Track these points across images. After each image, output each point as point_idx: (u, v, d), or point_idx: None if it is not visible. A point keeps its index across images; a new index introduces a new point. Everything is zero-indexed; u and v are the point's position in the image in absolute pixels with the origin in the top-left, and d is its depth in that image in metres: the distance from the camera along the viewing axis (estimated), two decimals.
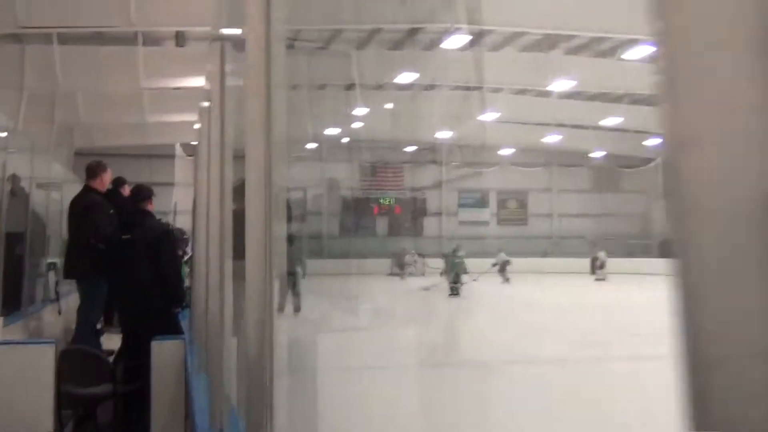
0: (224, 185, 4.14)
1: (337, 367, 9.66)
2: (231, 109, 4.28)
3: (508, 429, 7.05)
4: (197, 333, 6.75)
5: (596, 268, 33.02)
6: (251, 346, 2.32)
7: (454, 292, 25.15)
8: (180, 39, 21.82)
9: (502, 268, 32.58)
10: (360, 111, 31.26)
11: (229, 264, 4.11)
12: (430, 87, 30.71)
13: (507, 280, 32.19)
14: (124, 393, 6.89)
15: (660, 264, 38.50)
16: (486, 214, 46.56)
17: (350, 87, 28.67)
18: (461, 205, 46.13)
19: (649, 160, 41.75)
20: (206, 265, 5.38)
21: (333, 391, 8.27)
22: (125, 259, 7.33)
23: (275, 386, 2.36)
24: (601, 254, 32.68)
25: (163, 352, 6.58)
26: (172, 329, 7.37)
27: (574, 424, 7.08)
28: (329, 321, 16.36)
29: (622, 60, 26.34)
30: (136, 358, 6.97)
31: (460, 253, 27.30)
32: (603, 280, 31.78)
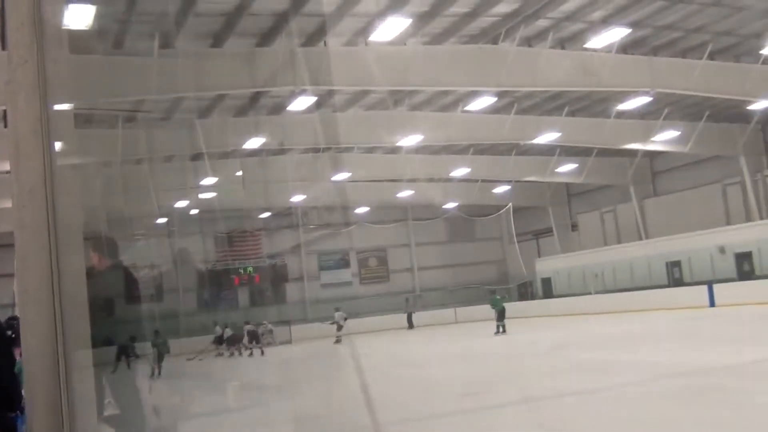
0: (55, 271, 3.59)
1: None
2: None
3: None
4: None
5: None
6: None
7: None
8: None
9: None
10: (209, 180, 30.45)
11: (80, 354, 3.49)
12: (280, 151, 30.44)
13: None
14: None
15: (521, 307, 39.65)
16: (348, 274, 46.45)
17: (197, 157, 27.91)
18: (322, 268, 45.81)
19: (499, 207, 43.06)
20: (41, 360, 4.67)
21: None
22: None
23: None
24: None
25: None
26: None
27: None
28: (193, 405, 15.42)
29: (465, 112, 27.08)
30: None
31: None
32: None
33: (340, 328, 32.01)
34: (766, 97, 25.83)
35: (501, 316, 27.59)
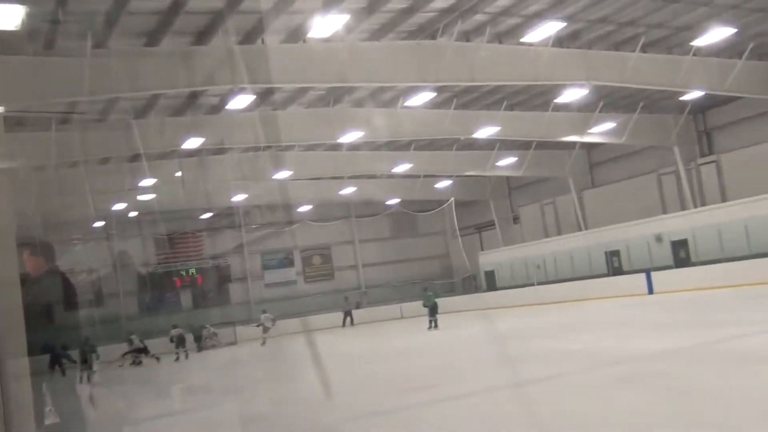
0: None
1: None
2: None
3: None
4: None
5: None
6: None
7: None
8: None
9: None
10: (148, 182, 29.91)
11: (15, 363, 3.36)
12: (220, 150, 30.08)
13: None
14: None
15: (465, 300, 39.97)
16: (292, 273, 46.21)
17: (134, 158, 27.39)
18: (266, 267, 45.48)
19: (441, 202, 43.36)
20: None
21: None
22: None
23: None
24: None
25: None
26: None
27: None
28: (139, 410, 15.14)
29: (406, 107, 27.14)
30: None
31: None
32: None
33: (266, 330, 31.91)
34: (697, 87, 26.51)
35: (433, 311, 27.83)
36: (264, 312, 33.47)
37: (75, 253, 31.33)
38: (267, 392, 15.24)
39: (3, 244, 3.40)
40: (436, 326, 27.41)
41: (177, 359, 29.99)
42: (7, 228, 3.52)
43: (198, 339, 31.21)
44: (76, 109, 22.99)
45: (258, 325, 32.62)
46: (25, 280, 6.16)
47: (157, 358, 29.55)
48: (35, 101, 19.01)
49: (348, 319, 39.03)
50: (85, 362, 24.92)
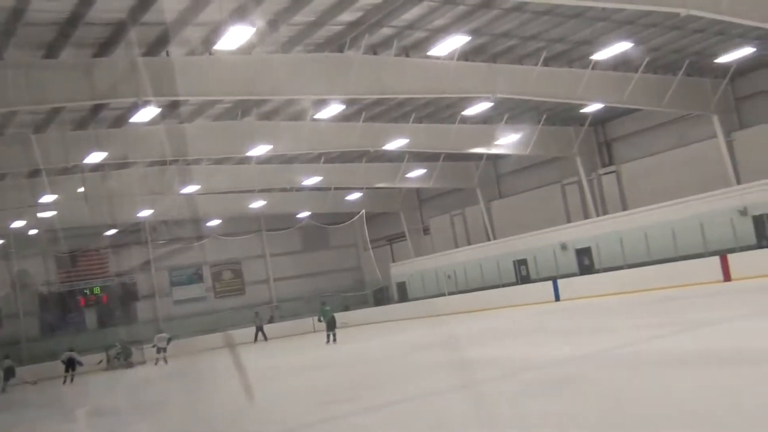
0: None
1: None
2: None
3: None
4: None
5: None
6: None
7: None
8: None
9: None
10: (48, 198, 28.85)
11: None
12: (124, 165, 29.29)
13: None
14: None
15: (378, 312, 40.08)
16: (201, 289, 45.38)
17: (34, 174, 26.39)
18: (174, 284, 44.52)
19: (352, 215, 43.42)
20: None
21: None
22: None
23: None
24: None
25: None
26: None
27: None
28: None
29: (315, 120, 27.10)
30: None
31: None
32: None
33: (159, 350, 31.64)
34: (597, 100, 27.45)
35: (330, 326, 27.93)
36: (160, 332, 33.17)
37: None
38: (180, 410, 14.89)
39: None
40: (335, 340, 27.47)
41: (64, 382, 29.18)
42: None
43: (71, 364, 30.04)
44: None
45: (152, 346, 32.17)
46: None
47: (34, 382, 28.72)
48: None
49: (260, 334, 38.60)
50: (2, 376, 24.23)
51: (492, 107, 27.71)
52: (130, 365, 32.57)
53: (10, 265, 36.64)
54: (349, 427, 9.55)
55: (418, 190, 44.07)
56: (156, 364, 31.50)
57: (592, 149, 34.83)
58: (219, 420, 12.16)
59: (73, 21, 16.95)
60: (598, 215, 33.72)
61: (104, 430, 12.93)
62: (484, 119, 31.21)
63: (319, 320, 29.29)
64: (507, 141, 32.25)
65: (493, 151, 33.78)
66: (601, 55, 23.38)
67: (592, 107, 29.38)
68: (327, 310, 28.87)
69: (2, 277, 35.80)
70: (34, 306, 39.67)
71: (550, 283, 30.61)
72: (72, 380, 29.37)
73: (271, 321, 42.60)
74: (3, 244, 35.36)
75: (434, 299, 37.35)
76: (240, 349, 33.59)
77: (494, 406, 9.18)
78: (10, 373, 28.74)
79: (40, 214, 31.70)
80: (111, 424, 13.78)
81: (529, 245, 34.28)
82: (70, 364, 29.73)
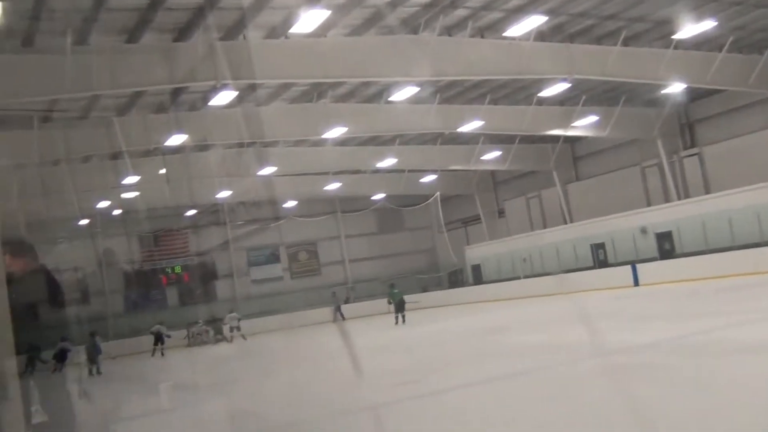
0: None
1: None
2: None
3: None
4: None
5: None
6: None
7: None
8: None
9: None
10: (131, 179, 29.75)
11: (3, 363, 3.35)
12: (203, 147, 29.94)
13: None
14: None
15: (452, 294, 40.06)
16: (278, 269, 46.14)
17: (117, 156, 27.22)
18: (252, 264, 45.39)
19: (427, 197, 43.40)
20: None
21: None
22: None
23: None
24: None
25: None
26: None
27: None
28: (125, 407, 15.09)
29: (389, 103, 27.14)
30: None
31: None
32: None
33: (232, 329, 32.95)
34: (679, 80, 26.65)
35: (399, 307, 28.67)
36: (231, 311, 34.22)
37: (60, 251, 31.15)
38: (252, 388, 15.24)
39: None
40: (403, 322, 28.13)
41: (153, 354, 30.72)
42: None
43: (159, 338, 31.42)
44: (57, 107, 22.83)
45: (225, 324, 33.44)
46: (10, 280, 6.13)
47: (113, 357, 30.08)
48: (16, 99, 18.89)
49: (338, 314, 39.08)
50: (89, 356, 25.41)
51: (569, 88, 27.20)
52: (219, 341, 33.63)
53: (96, 244, 37.96)
54: (416, 410, 9.60)
55: (493, 173, 43.70)
56: (231, 341, 32.40)
57: (673, 131, 33.87)
58: (287, 398, 12.38)
59: (153, 6, 17.38)
60: (679, 198, 32.83)
61: (180, 404, 13.32)
62: (561, 101, 30.68)
63: (389, 302, 30.09)
64: (584, 123, 31.68)
65: (570, 133, 33.21)
66: (684, 34, 22.66)
67: (674, 88, 28.53)
68: (395, 292, 29.58)
69: (89, 255, 37.13)
70: (118, 284, 41.04)
71: (628, 268, 30.01)
72: (162, 354, 30.69)
73: (347, 302, 43.04)
74: (89, 223, 36.62)
75: (509, 282, 37.10)
76: (316, 329, 34.06)
77: (562, 392, 9.10)
78: (96, 350, 30.04)
79: (123, 195, 32.73)
80: (186, 399, 14.18)
81: (608, 229, 33.63)
82: (159, 338, 31.08)
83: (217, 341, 33.60)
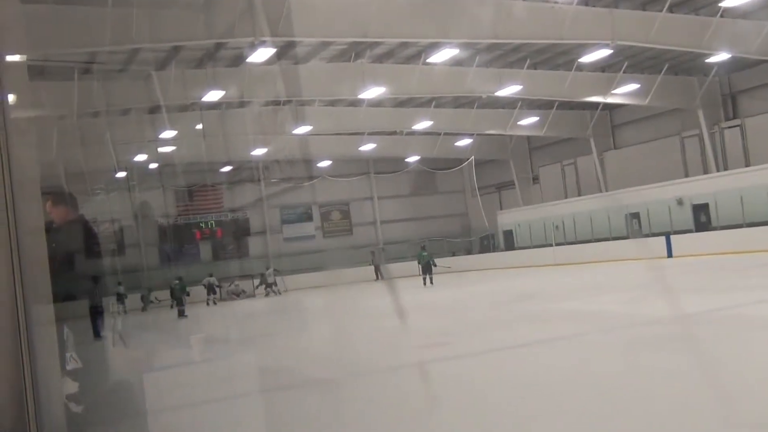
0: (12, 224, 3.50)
1: (172, 406, 8.91)
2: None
3: None
4: None
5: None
6: (2, 408, 1.82)
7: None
8: None
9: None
10: (168, 134, 29.99)
11: (41, 310, 3.45)
12: (240, 104, 30.04)
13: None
14: None
15: (483, 259, 40.06)
16: (311, 227, 46.40)
17: (154, 110, 27.43)
18: (285, 222, 45.70)
19: (461, 161, 43.21)
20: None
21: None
22: None
23: None
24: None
25: None
26: None
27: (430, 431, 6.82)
28: (158, 357, 15.40)
29: (427, 64, 26.93)
30: None
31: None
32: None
33: (269, 285, 34.55)
34: (724, 50, 26.06)
35: (426, 269, 29.92)
36: (268, 267, 35.52)
37: (97, 202, 31.61)
38: (285, 343, 15.45)
39: (28, 192, 3.46)
40: (431, 283, 29.28)
41: (207, 304, 32.23)
42: (32, 177, 3.58)
43: (212, 289, 32.61)
44: (97, 59, 23.02)
45: (262, 283, 34.82)
46: (48, 229, 6.25)
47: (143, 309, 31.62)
48: (57, 51, 19.05)
49: (379, 273, 39.41)
50: (177, 300, 26.46)
51: (611, 54, 26.74)
52: (269, 294, 34.78)
53: (133, 197, 38.43)
54: (442, 372, 9.67)
55: (529, 138, 43.31)
56: (267, 296, 33.13)
57: (715, 101, 33.22)
58: (312, 356, 12.54)
59: None
60: (718, 170, 32.31)
61: (214, 356, 13.56)
62: (602, 67, 30.20)
63: (418, 263, 31.08)
64: (625, 90, 31.19)
65: (610, 100, 32.72)
66: (731, 2, 22.11)
67: (718, 57, 27.91)
68: (424, 255, 30.65)
69: (125, 208, 37.62)
70: (154, 237, 41.58)
71: (662, 239, 29.73)
72: (215, 303, 32.12)
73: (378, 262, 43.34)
74: (126, 176, 37.07)
75: (541, 249, 36.99)
76: (349, 288, 34.40)
77: (588, 361, 9.11)
78: (123, 297, 31.11)
79: (160, 149, 33.05)
80: (215, 351, 14.43)
81: (643, 198, 33.25)
82: (211, 289, 32.56)
83: (268, 293, 34.80)
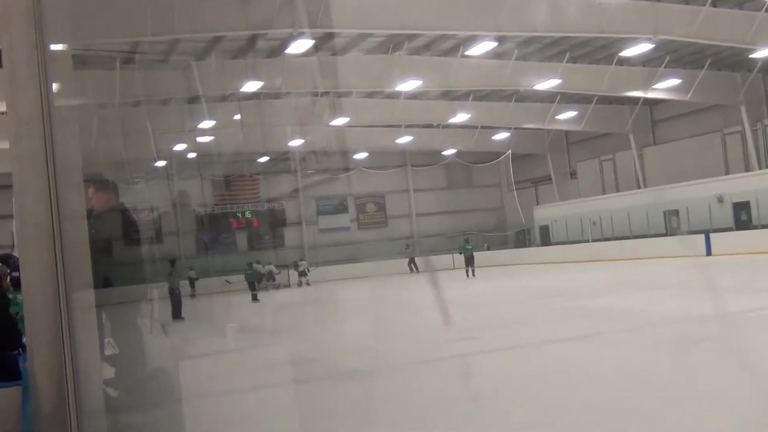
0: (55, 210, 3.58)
1: (206, 394, 9.03)
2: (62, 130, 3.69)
3: None
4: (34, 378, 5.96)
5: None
6: (43, 390, 1.87)
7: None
8: None
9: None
10: (206, 124, 30.25)
11: (81, 295, 3.53)
12: (277, 95, 30.19)
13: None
14: None
15: (518, 254, 39.86)
16: (346, 219, 46.54)
17: (194, 99, 27.69)
18: (320, 213, 45.89)
19: (498, 154, 42.97)
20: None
21: (203, 419, 7.69)
22: None
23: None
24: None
25: None
26: (10, 374, 6.54)
27: (460, 424, 6.82)
28: (193, 345, 15.59)
29: (465, 57, 26.80)
30: None
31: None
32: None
33: (300, 275, 35.52)
34: None
35: (469, 261, 31.20)
36: (301, 259, 36.62)
37: (136, 191, 32.02)
38: (313, 335, 15.52)
39: (70, 179, 3.53)
40: (473, 274, 30.31)
41: (268, 290, 33.25)
42: (74, 164, 3.64)
43: (272, 276, 33.99)
44: (138, 49, 23.29)
45: (295, 269, 35.71)
46: (89, 216, 6.36)
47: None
48: (99, 40, 19.32)
49: (412, 266, 39.41)
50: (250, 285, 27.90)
51: (652, 49, 26.36)
52: (301, 284, 35.49)
53: (171, 185, 38.86)
54: (470, 367, 9.64)
55: (567, 133, 42.90)
56: (300, 285, 33.60)
57: (759, 97, 32.61)
58: (349, 347, 12.57)
59: None
60: (760, 168, 31.74)
61: (247, 345, 13.69)
62: (643, 61, 29.80)
63: (459, 253, 32.48)
64: (666, 85, 30.76)
65: (650, 95, 32.29)
66: None
67: (762, 53, 27.35)
68: (468, 248, 31.46)
69: (163, 196, 38.05)
70: (191, 225, 42.03)
71: (701, 237, 29.30)
72: (277, 287, 33.60)
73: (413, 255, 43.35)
74: (165, 165, 37.49)
75: (577, 245, 36.68)
76: (384, 281, 34.49)
77: (620, 359, 9.02)
78: (194, 281, 32.38)
79: (198, 139, 33.36)
80: (247, 341, 14.56)
81: (683, 196, 32.78)
82: (270, 277, 33.80)
83: (301, 283, 35.56)
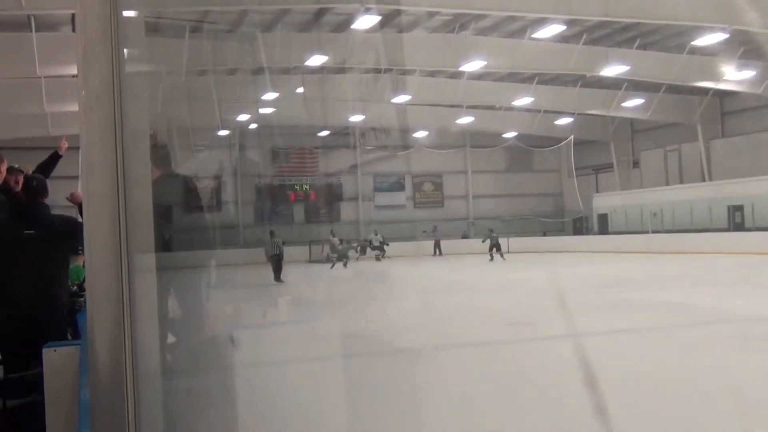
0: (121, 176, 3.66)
1: (257, 363, 9.17)
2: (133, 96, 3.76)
3: (440, 416, 6.75)
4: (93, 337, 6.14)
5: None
6: (101, 351, 1.93)
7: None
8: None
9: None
10: (270, 96, 30.50)
11: (142, 258, 3.62)
12: (341, 69, 30.23)
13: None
14: (12, 408, 6.22)
15: (575, 241, 39.42)
16: (402, 197, 46.56)
17: (258, 71, 27.92)
18: (377, 189, 46.00)
19: (560, 140, 42.42)
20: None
21: (253, 387, 7.81)
22: (26, 256, 6.59)
23: (143, 393, 1.95)
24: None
25: (56, 360, 5.96)
26: (72, 334, 6.76)
27: (506, 407, 6.82)
28: (246, 315, 15.85)
29: (532, 39, 26.43)
30: (22, 367, 6.30)
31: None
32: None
33: (374, 248, 35.64)
34: None
35: (494, 247, 32.91)
36: (375, 233, 36.40)
37: (199, 159, 32.52)
38: (367, 311, 15.61)
39: (137, 145, 3.60)
40: (502, 257, 32.17)
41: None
42: (142, 130, 3.71)
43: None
44: (207, 18, 23.55)
45: (369, 245, 35.84)
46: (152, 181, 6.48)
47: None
48: (170, 9, 19.57)
49: (438, 249, 39.17)
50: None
51: (727, 39, 25.61)
52: (379, 259, 35.79)
53: (233, 155, 39.37)
54: (523, 353, 9.61)
55: (632, 121, 42.08)
56: (378, 260, 34.88)
57: None
58: (400, 325, 12.61)
59: None
60: None
61: (298, 318, 13.86)
62: (716, 51, 28.97)
63: (483, 241, 33.65)
64: (739, 77, 29.87)
65: (722, 86, 31.41)
66: None
67: None
68: (493, 236, 33.29)
69: (225, 165, 38.58)
70: (250, 195, 42.57)
71: (766, 234, 28.53)
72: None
73: (465, 237, 43.14)
74: (228, 135, 37.97)
75: (636, 235, 36.08)
76: (440, 261, 34.61)
77: (674, 355, 8.88)
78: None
79: (261, 110, 33.66)
80: (299, 313, 14.72)
81: (749, 191, 31.92)
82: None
83: (377, 258, 35.82)
